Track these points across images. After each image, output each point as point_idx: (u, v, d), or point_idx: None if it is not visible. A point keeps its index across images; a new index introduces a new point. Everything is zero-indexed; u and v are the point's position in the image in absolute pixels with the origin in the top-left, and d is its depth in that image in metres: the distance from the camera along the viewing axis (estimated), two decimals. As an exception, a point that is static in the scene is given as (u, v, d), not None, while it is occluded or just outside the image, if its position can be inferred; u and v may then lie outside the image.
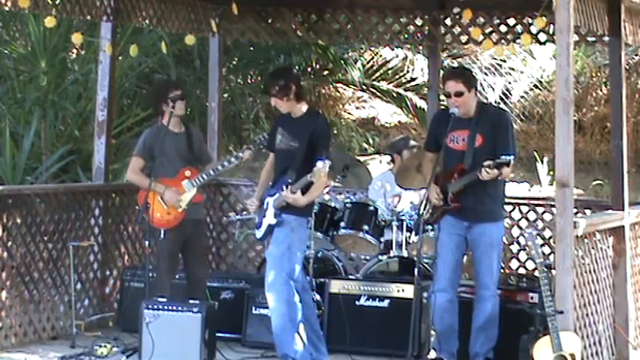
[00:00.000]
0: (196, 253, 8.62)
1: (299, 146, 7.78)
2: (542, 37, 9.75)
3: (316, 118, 7.96)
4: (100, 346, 8.35)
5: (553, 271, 7.30)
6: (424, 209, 8.01)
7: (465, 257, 8.37)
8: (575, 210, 7.50)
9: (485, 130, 7.81)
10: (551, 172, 15.70)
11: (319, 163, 7.56)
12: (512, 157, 7.59)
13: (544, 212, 10.10)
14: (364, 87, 17.13)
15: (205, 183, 8.59)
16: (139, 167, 8.52)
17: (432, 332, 8.21)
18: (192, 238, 8.52)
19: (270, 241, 7.96)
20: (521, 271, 10.01)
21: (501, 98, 17.15)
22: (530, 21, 9.74)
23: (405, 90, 16.75)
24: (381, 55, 17.13)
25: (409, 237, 9.22)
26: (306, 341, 7.84)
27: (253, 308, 8.79)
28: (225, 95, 14.94)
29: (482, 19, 9.96)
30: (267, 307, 8.66)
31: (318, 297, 8.63)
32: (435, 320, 7.94)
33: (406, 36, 10.47)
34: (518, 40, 9.99)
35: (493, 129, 7.81)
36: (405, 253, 9.19)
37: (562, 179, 7.09)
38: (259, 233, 8.03)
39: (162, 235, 8.32)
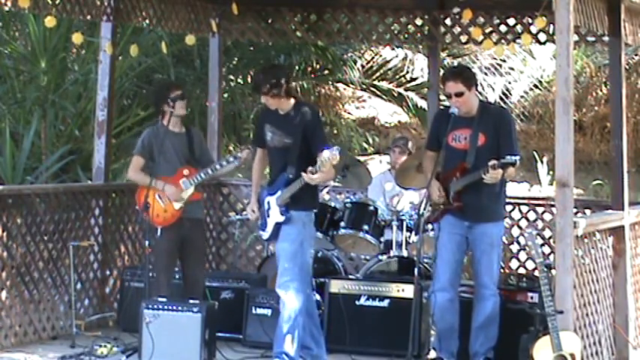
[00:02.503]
0: (195, 253, 8.58)
1: (293, 142, 7.68)
2: (542, 37, 9.76)
3: (305, 112, 7.75)
4: (100, 346, 8.35)
5: (553, 271, 7.30)
6: (424, 209, 7.99)
7: (466, 257, 8.37)
8: (575, 210, 7.50)
9: (487, 129, 7.79)
10: (551, 172, 15.70)
11: (325, 152, 7.40)
12: (518, 158, 7.56)
13: (544, 212, 10.10)
14: (364, 87, 17.11)
15: (203, 182, 8.56)
16: (139, 166, 8.52)
17: (432, 332, 8.22)
18: (190, 237, 8.49)
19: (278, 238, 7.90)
20: (521, 271, 10.01)
21: (501, 98, 17.15)
22: (530, 21, 9.75)
23: (405, 90, 16.72)
24: (381, 55, 17.11)
25: (409, 237, 9.23)
26: (298, 345, 7.78)
27: (253, 308, 8.79)
28: (225, 95, 14.91)
29: (482, 19, 9.97)
30: (267, 307, 8.70)
31: (318, 297, 8.62)
32: (435, 320, 7.93)
33: (406, 36, 10.48)
34: (518, 40, 10.00)
35: (495, 128, 7.79)
36: (405, 253, 9.19)
37: (562, 179, 7.08)
38: (266, 234, 7.92)
39: (159, 233, 8.30)
